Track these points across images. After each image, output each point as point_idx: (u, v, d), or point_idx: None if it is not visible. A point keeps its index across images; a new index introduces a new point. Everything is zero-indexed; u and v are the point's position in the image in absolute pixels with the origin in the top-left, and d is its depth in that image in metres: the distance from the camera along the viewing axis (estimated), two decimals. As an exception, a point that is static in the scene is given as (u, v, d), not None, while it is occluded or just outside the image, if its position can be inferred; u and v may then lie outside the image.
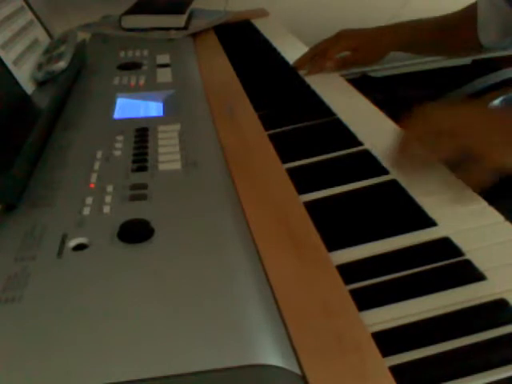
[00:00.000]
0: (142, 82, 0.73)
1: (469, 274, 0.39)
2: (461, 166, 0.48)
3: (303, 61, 0.82)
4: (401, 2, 1.29)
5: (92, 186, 0.48)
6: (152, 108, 0.68)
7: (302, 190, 0.50)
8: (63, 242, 0.40)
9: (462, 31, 0.80)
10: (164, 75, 0.76)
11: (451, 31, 0.82)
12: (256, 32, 1.05)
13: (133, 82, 0.73)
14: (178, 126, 0.59)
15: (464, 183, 0.48)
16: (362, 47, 0.81)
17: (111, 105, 0.66)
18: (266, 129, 0.61)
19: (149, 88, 0.72)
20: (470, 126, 0.49)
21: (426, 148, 0.49)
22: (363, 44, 0.81)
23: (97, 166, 0.51)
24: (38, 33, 0.78)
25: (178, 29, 0.98)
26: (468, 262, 0.40)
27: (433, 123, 0.51)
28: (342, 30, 0.81)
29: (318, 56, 0.81)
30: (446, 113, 0.51)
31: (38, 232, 0.42)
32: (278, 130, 0.62)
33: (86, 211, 0.44)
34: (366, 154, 0.55)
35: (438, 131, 0.49)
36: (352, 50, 0.81)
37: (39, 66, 0.67)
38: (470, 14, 0.79)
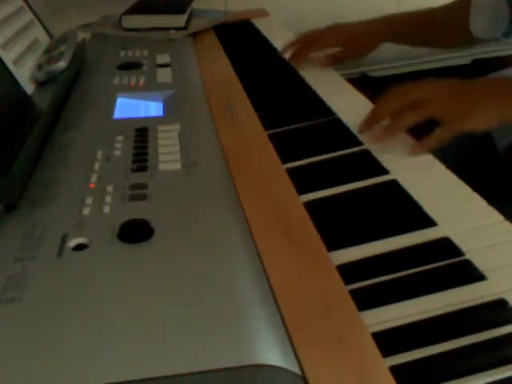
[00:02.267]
0: (142, 81, 0.73)
1: (469, 273, 0.39)
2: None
3: (290, 46, 0.85)
4: (398, 1, 1.29)
5: (92, 186, 0.48)
6: (152, 108, 0.68)
7: (302, 190, 0.50)
8: (63, 241, 0.40)
9: (454, 22, 0.81)
10: (164, 75, 0.76)
11: (443, 22, 0.83)
12: (256, 32, 1.05)
13: (133, 82, 0.73)
14: (177, 126, 0.59)
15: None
16: (351, 40, 0.83)
17: (111, 105, 0.66)
18: (266, 129, 0.61)
19: (149, 88, 0.72)
20: (435, 96, 0.54)
21: (395, 118, 0.55)
22: (352, 37, 0.83)
23: (97, 166, 0.51)
24: (38, 33, 0.78)
25: (177, 29, 0.97)
26: (468, 262, 0.40)
27: (401, 96, 0.56)
28: (334, 24, 0.83)
29: (305, 44, 0.83)
30: (413, 86, 0.57)
31: (38, 232, 0.42)
32: (278, 129, 0.62)
33: (86, 211, 0.44)
34: (366, 154, 0.55)
35: (406, 102, 0.55)
36: (341, 44, 0.82)
37: (39, 66, 0.67)
38: (462, 4, 0.79)
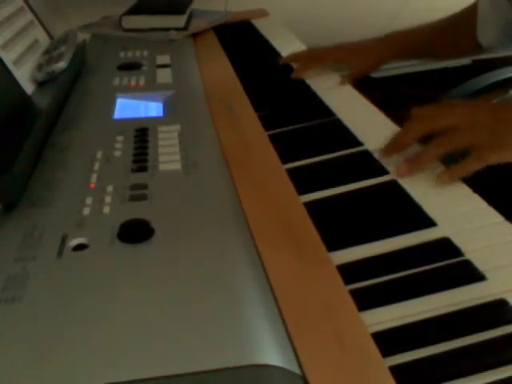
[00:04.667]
0: (142, 82, 0.73)
1: (469, 274, 0.39)
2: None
3: (293, 59, 0.84)
4: (401, 2, 1.29)
5: (92, 186, 0.48)
6: (152, 108, 0.68)
7: (302, 191, 0.50)
8: (63, 242, 0.40)
9: (460, 34, 0.81)
10: (164, 75, 0.76)
11: (449, 34, 0.82)
12: (256, 32, 1.05)
13: (133, 83, 0.73)
14: (178, 127, 0.59)
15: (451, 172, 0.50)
16: (356, 58, 0.81)
17: (111, 105, 0.66)
18: (266, 129, 0.61)
19: (149, 88, 0.72)
20: (467, 123, 0.50)
21: (424, 146, 0.51)
22: (358, 55, 0.81)
23: (97, 166, 0.51)
24: (38, 33, 0.78)
25: (177, 29, 0.98)
26: (468, 262, 0.40)
27: (429, 121, 0.52)
28: (342, 43, 0.82)
29: (310, 59, 0.82)
30: (442, 110, 0.53)
31: (37, 232, 0.42)
32: (278, 130, 0.62)
33: (86, 211, 0.44)
34: (366, 154, 0.55)
35: (436, 129, 0.51)
36: (347, 62, 0.82)
37: (39, 67, 0.67)
38: (468, 15, 0.79)
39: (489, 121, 0.51)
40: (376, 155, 0.55)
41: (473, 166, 0.49)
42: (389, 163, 0.53)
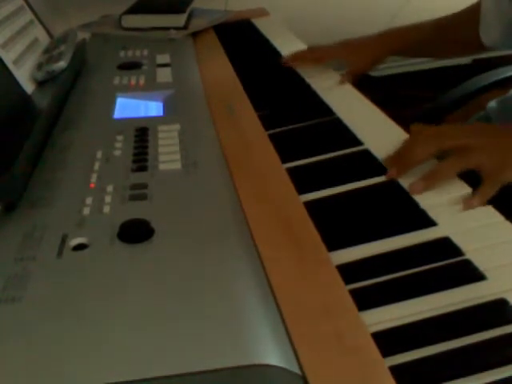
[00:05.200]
0: (141, 81, 0.73)
1: (469, 273, 0.39)
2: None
3: (294, 58, 0.83)
4: (402, 1, 1.29)
5: (92, 185, 0.48)
6: (152, 108, 0.68)
7: (302, 190, 0.50)
8: (63, 242, 0.40)
9: (463, 33, 0.80)
10: (164, 75, 0.76)
11: (452, 33, 0.81)
12: (256, 31, 1.05)
13: (133, 82, 0.73)
14: (177, 126, 0.59)
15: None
16: (357, 54, 0.81)
17: (111, 104, 0.66)
18: (266, 128, 0.61)
19: (149, 88, 0.72)
20: (478, 144, 0.49)
21: (433, 170, 0.50)
22: (358, 51, 0.81)
23: (97, 165, 0.51)
24: (38, 32, 0.78)
25: (177, 28, 0.97)
26: (468, 262, 0.40)
27: (440, 139, 0.51)
28: (342, 40, 0.82)
29: (310, 56, 0.82)
30: (452, 130, 0.52)
31: (38, 232, 0.42)
32: (278, 129, 0.62)
33: (86, 211, 0.44)
34: (366, 154, 0.55)
35: (444, 148, 0.50)
36: (348, 58, 0.82)
37: (39, 66, 0.67)
38: (471, 14, 0.78)
39: (499, 140, 0.50)
40: (376, 155, 0.54)
41: (489, 190, 0.47)
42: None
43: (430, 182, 0.49)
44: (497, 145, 0.50)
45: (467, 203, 0.46)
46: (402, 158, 0.51)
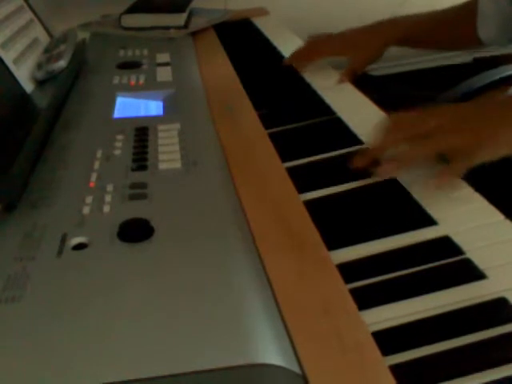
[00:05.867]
0: (141, 81, 0.73)
1: (469, 272, 0.39)
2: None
3: (298, 56, 0.83)
4: (401, 1, 1.29)
5: (92, 185, 0.48)
6: (152, 107, 0.68)
7: (302, 189, 0.50)
8: (63, 241, 0.40)
9: (460, 26, 0.80)
10: (164, 74, 0.76)
11: (450, 26, 0.81)
12: (256, 31, 1.05)
13: (133, 81, 0.73)
14: (177, 125, 0.59)
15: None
16: (357, 47, 0.81)
17: (111, 104, 0.66)
18: (266, 128, 0.61)
19: (149, 87, 0.71)
20: (449, 128, 0.49)
21: (400, 153, 0.50)
22: (358, 44, 0.81)
23: (97, 165, 0.51)
24: (38, 32, 0.78)
25: (177, 28, 0.97)
26: (468, 261, 0.40)
27: (405, 128, 0.51)
28: (342, 31, 0.82)
29: (309, 53, 0.82)
30: (425, 114, 0.52)
31: (37, 232, 0.42)
32: (278, 128, 0.62)
33: (86, 210, 0.44)
34: (366, 153, 0.55)
35: (411, 135, 0.50)
36: (348, 52, 0.81)
37: (39, 66, 0.67)
38: (469, 9, 0.78)
39: (473, 121, 0.50)
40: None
41: (464, 165, 0.48)
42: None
43: (400, 163, 0.49)
44: (469, 125, 0.50)
45: (438, 180, 0.47)
46: (375, 146, 0.51)
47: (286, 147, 0.57)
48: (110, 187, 0.47)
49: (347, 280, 0.38)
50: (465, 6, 0.81)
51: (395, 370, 0.32)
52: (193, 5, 1.06)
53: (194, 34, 0.99)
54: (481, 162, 0.48)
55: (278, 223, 0.44)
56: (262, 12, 1.15)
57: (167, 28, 0.97)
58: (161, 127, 0.58)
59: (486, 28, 0.76)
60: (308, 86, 0.74)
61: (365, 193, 0.49)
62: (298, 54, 0.83)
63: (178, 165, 0.51)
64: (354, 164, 0.51)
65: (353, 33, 0.82)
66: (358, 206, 0.48)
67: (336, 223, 0.46)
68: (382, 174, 0.49)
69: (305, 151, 0.56)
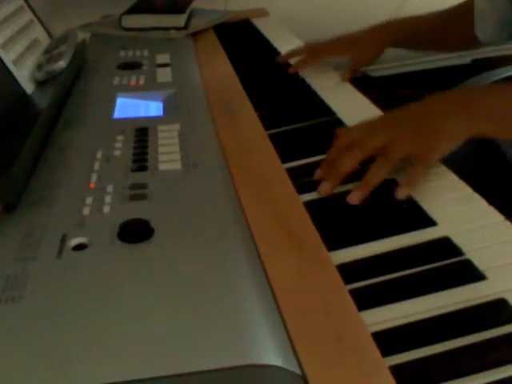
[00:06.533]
0: (141, 81, 0.73)
1: (469, 273, 0.39)
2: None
3: (292, 55, 0.84)
4: (399, 1, 1.29)
5: (92, 185, 0.48)
6: (152, 108, 0.68)
7: (302, 190, 0.50)
8: (63, 241, 0.40)
9: (458, 26, 0.81)
10: (164, 75, 0.76)
11: (447, 26, 0.82)
12: (256, 31, 1.05)
13: (133, 82, 0.73)
14: (177, 126, 0.59)
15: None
16: (356, 48, 0.81)
17: (111, 104, 0.66)
18: (266, 128, 0.61)
19: (149, 88, 0.72)
20: (395, 138, 0.50)
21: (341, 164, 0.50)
22: (357, 45, 0.81)
23: (97, 165, 0.51)
24: (38, 32, 0.78)
25: (177, 28, 0.97)
26: (468, 262, 0.40)
27: (342, 140, 0.53)
28: (340, 35, 0.82)
29: (308, 54, 0.82)
30: (352, 128, 0.53)
31: (37, 232, 0.42)
32: (278, 129, 0.62)
33: (86, 211, 0.44)
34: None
35: (367, 154, 0.50)
36: (346, 53, 0.82)
37: (39, 66, 0.67)
38: (466, 9, 0.79)
39: (420, 123, 0.52)
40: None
41: (425, 166, 0.49)
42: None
43: (365, 189, 0.49)
44: (417, 129, 0.51)
45: (400, 190, 0.48)
46: (332, 169, 0.51)
47: (286, 148, 0.57)
48: (110, 188, 0.47)
49: (347, 281, 0.38)
50: (461, 5, 0.81)
51: (395, 370, 0.32)
52: (193, 6, 1.06)
53: (194, 34, 0.99)
54: (441, 157, 0.50)
55: (277, 224, 0.44)
56: (262, 13, 1.15)
57: (167, 29, 0.97)
58: (161, 128, 0.59)
59: (483, 26, 0.76)
60: (308, 87, 0.74)
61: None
62: (295, 53, 0.84)
63: (177, 165, 0.51)
64: (321, 191, 0.50)
65: (351, 35, 0.82)
66: (358, 207, 0.48)
67: (336, 224, 0.46)
68: (320, 192, 0.50)
69: (305, 152, 0.56)
